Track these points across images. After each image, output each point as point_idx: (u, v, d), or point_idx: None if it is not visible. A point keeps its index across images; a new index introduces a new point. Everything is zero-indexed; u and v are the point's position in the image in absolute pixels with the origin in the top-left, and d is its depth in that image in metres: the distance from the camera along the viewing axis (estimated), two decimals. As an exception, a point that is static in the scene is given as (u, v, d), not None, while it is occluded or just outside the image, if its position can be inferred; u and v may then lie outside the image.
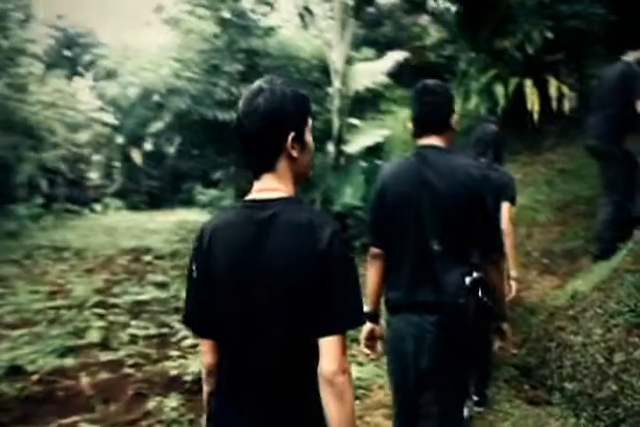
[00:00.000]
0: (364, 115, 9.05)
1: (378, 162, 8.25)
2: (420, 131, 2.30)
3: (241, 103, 1.56)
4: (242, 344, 1.52)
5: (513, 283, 3.62)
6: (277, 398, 1.50)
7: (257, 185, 1.57)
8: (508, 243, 3.39)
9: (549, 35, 6.91)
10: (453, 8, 8.09)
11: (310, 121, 1.62)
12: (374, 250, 2.38)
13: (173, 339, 5.23)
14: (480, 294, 2.11)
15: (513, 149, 6.80)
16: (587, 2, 7.17)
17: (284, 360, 1.49)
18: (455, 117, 2.31)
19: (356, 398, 3.75)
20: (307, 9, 7.86)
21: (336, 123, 8.46)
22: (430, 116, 2.27)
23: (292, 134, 1.52)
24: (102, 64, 11.05)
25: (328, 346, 1.44)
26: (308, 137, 1.61)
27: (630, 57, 4.64)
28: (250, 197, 1.57)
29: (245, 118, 1.53)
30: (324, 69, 8.79)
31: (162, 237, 11.57)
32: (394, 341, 2.28)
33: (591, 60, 7.49)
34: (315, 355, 1.45)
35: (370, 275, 2.42)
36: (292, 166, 1.56)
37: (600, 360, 3.50)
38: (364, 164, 7.98)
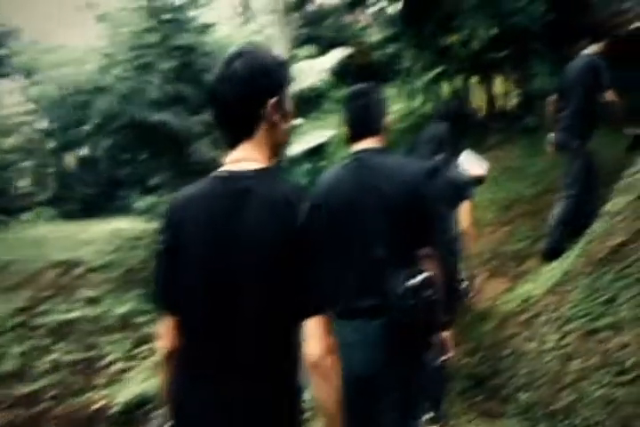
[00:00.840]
0: (307, 115, 8.76)
1: (322, 163, 7.99)
2: (354, 135, 2.28)
3: (217, 68, 1.49)
4: (214, 321, 1.42)
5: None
6: (251, 381, 1.40)
7: (233, 154, 1.50)
8: (469, 244, 3.30)
9: (493, 31, 6.79)
10: (397, 4, 7.87)
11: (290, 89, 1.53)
12: None
13: (101, 364, 4.80)
14: (427, 293, 2.08)
15: (460, 148, 6.64)
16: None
17: (260, 340, 1.40)
18: (389, 119, 2.31)
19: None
20: (246, 3, 7.50)
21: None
22: (362, 120, 2.26)
23: (273, 100, 1.45)
24: (22, 61, 10.27)
25: (313, 327, 1.38)
26: (288, 104, 1.53)
27: (590, 50, 4.54)
28: (224, 167, 1.49)
29: (222, 83, 1.46)
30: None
31: (95, 248, 10.89)
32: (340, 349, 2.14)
33: (533, 57, 7.44)
34: (294, 336, 1.40)
35: None
36: (272, 134, 1.49)
37: (556, 368, 3.30)
38: (307, 165, 7.70)
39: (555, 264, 4.22)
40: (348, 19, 12.30)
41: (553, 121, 4.66)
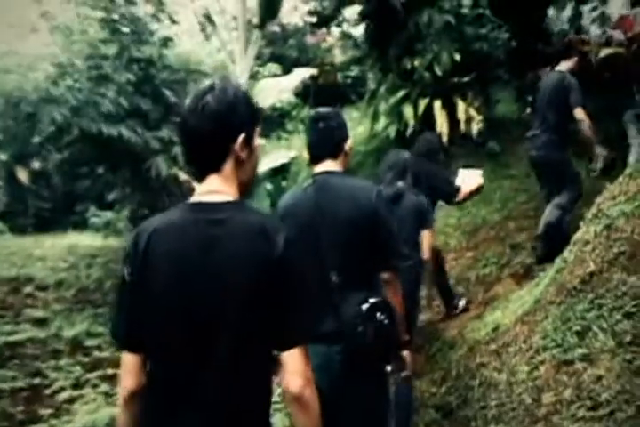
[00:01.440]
0: (269, 134, 8.65)
1: (284, 184, 7.87)
2: (314, 157, 2.33)
3: (189, 100, 1.50)
4: (185, 362, 1.36)
5: None
6: (225, 418, 1.37)
7: (202, 187, 1.49)
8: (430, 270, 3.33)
9: (457, 57, 6.87)
10: (361, 26, 7.90)
11: (259, 127, 1.56)
12: None
13: (47, 392, 4.49)
14: (379, 318, 2.11)
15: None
16: (490, 26, 7.24)
17: (235, 379, 1.37)
18: (349, 143, 2.35)
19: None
20: (208, 18, 7.38)
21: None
22: (323, 142, 2.31)
23: (242, 136, 1.47)
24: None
25: (292, 359, 1.37)
26: (257, 142, 1.55)
27: (563, 67, 4.61)
28: (195, 199, 1.48)
29: (193, 115, 1.45)
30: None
31: (48, 265, 10.44)
32: None
33: (495, 83, 7.56)
34: (270, 370, 1.39)
35: None
36: (239, 170, 1.50)
37: (527, 401, 3.21)
38: (269, 186, 7.57)
39: (523, 292, 4.18)
40: (311, 39, 12.34)
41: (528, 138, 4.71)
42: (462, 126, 6.72)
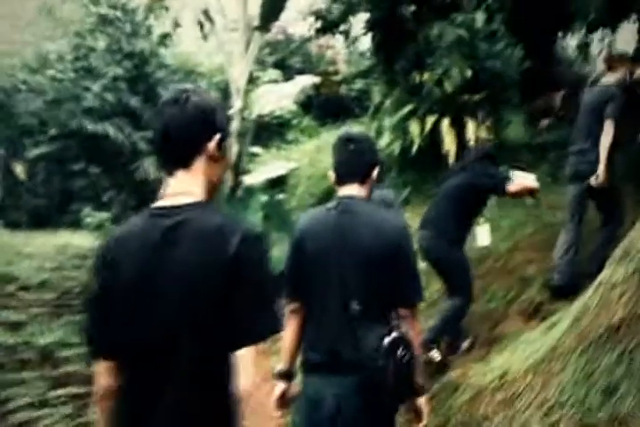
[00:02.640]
0: (268, 144, 8.29)
1: (280, 196, 7.49)
2: (341, 179, 2.27)
3: (165, 95, 1.52)
4: (150, 363, 1.42)
5: None
6: (189, 416, 1.41)
7: (169, 188, 1.51)
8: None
9: (469, 73, 6.55)
10: (368, 36, 7.58)
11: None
12: (292, 306, 2.27)
13: (6, 408, 4.06)
14: (400, 354, 2.03)
15: (427, 193, 6.27)
16: (504, 43, 6.94)
17: (196, 378, 1.40)
18: (377, 170, 2.29)
19: None
20: (206, 15, 6.99)
21: (235, 148, 7.62)
22: (353, 165, 2.25)
23: (218, 136, 1.51)
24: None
25: (244, 360, 1.37)
26: (226, 149, 1.59)
27: (608, 80, 4.42)
28: (159, 202, 1.50)
29: (174, 105, 1.48)
30: (225, 90, 7.95)
31: (35, 263, 9.90)
32: (309, 403, 2.17)
33: (506, 105, 7.24)
34: (231, 369, 1.37)
35: (287, 332, 2.28)
36: (210, 169, 1.51)
37: (541, 464, 2.83)
38: (264, 197, 7.17)
39: (534, 334, 3.80)
40: (316, 49, 12.04)
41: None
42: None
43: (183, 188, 1.48)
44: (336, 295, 2.12)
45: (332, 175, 2.31)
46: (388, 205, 3.52)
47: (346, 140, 2.28)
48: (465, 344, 4.25)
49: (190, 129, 1.48)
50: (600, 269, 3.39)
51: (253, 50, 7.64)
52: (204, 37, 7.35)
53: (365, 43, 9.71)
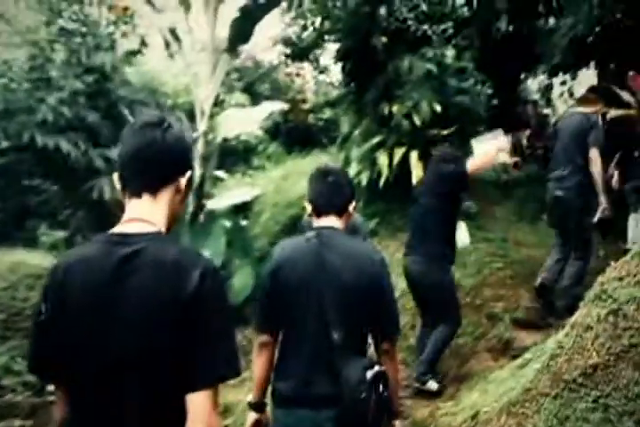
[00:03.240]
0: (232, 169, 8.14)
1: (244, 223, 7.33)
2: (319, 210, 2.29)
3: (144, 117, 1.51)
4: (98, 397, 1.35)
5: None
6: None
7: (128, 212, 1.47)
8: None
9: (438, 107, 6.60)
10: (338, 66, 7.59)
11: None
12: (264, 338, 2.25)
13: None
14: (381, 388, 2.03)
15: (395, 224, 6.24)
16: (473, 81, 7.05)
17: (147, 414, 1.33)
18: (354, 204, 2.33)
19: None
20: (173, 34, 6.85)
21: (198, 172, 7.45)
22: (331, 197, 2.27)
23: (189, 172, 1.52)
24: None
25: (198, 402, 1.30)
26: (190, 186, 1.57)
27: (587, 110, 4.50)
28: (116, 228, 1.46)
29: (153, 130, 1.45)
30: (190, 111, 7.82)
31: (-16, 282, 9.37)
32: None
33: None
34: (182, 412, 1.30)
35: (257, 365, 2.27)
36: (173, 201, 1.49)
37: None
38: (227, 223, 7.00)
39: (505, 373, 3.73)
40: (284, 78, 12.04)
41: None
42: (439, 181, 6.37)
43: (146, 214, 1.45)
44: (315, 326, 2.11)
45: (308, 206, 2.33)
46: (355, 231, 3.51)
47: (324, 173, 2.31)
48: (435, 386, 4.13)
49: (169, 158, 1.46)
50: (573, 307, 3.37)
51: (221, 72, 7.54)
52: (171, 56, 7.21)
53: (335, 73, 9.79)
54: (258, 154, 7.95)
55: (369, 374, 2.01)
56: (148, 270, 1.35)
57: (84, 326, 1.35)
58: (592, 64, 8.58)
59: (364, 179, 6.77)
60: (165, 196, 1.47)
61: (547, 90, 10.31)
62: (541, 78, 10.38)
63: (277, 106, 7.83)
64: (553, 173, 4.57)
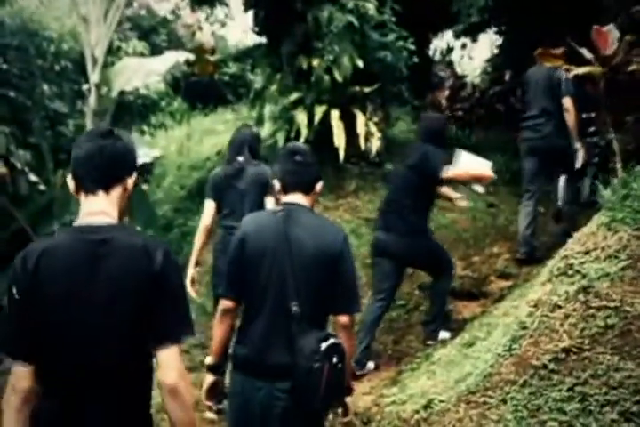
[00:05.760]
0: (129, 127, 7.24)
1: (144, 187, 6.56)
2: (287, 188, 2.38)
3: (96, 130, 1.81)
4: (73, 371, 1.57)
5: None
6: (113, 415, 1.58)
7: (86, 207, 1.69)
8: None
9: (360, 63, 6.12)
10: (249, 14, 6.87)
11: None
12: (227, 303, 2.32)
13: None
14: (335, 360, 2.09)
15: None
16: (395, 36, 6.61)
17: (121, 387, 1.59)
18: (321, 184, 2.41)
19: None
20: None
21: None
22: (300, 176, 2.36)
23: (135, 174, 1.78)
24: None
25: (167, 356, 1.58)
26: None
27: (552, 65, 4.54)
28: (79, 221, 1.68)
29: (105, 139, 1.71)
30: (79, 60, 6.82)
31: None
32: (238, 401, 2.26)
33: (395, 100, 6.95)
34: (151, 372, 1.64)
35: (218, 330, 2.35)
36: (122, 198, 1.72)
37: None
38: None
39: (452, 351, 3.43)
40: (183, 30, 10.98)
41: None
42: (362, 143, 5.95)
43: (103, 208, 1.67)
44: (275, 296, 2.18)
45: (277, 184, 2.41)
46: (264, 183, 3.58)
47: (292, 152, 2.40)
48: (371, 365, 3.80)
49: (119, 162, 1.71)
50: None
51: (114, 17, 6.59)
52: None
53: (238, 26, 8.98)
54: (159, 111, 7.10)
55: (323, 345, 2.08)
56: (121, 254, 1.60)
57: (62, 306, 1.55)
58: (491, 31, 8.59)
59: (281, 139, 6.22)
60: (116, 193, 1.70)
61: (448, 52, 10.24)
62: (447, 39, 10.34)
63: (182, 56, 6.97)
64: (527, 122, 4.68)
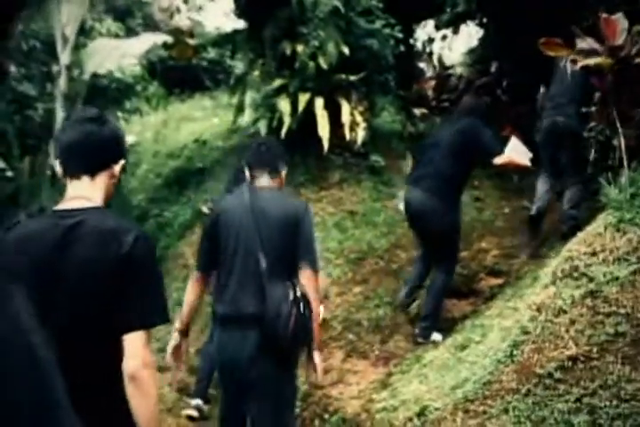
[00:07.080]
0: (103, 110, 6.89)
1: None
2: (255, 172, 2.68)
3: (79, 112, 1.97)
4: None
5: None
6: (86, 402, 1.42)
7: (70, 192, 1.71)
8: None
9: (346, 50, 5.89)
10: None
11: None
12: (197, 273, 2.62)
13: None
14: (302, 307, 2.36)
15: (297, 180, 5.55)
16: (381, 23, 6.39)
17: (88, 367, 1.55)
18: (286, 169, 2.74)
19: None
20: None
21: (60, 115, 6.21)
22: (264, 160, 2.69)
23: (123, 161, 1.78)
24: None
25: (131, 342, 1.55)
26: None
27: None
28: (60, 205, 1.72)
29: (91, 124, 1.68)
30: (48, 40, 6.46)
31: None
32: (219, 352, 2.54)
33: (381, 89, 6.74)
34: (120, 355, 1.56)
35: (188, 295, 2.60)
36: (108, 184, 1.73)
37: None
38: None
39: (445, 354, 3.28)
40: (160, 15, 10.59)
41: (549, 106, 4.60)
42: (347, 132, 5.74)
43: (86, 193, 1.69)
44: (246, 256, 2.47)
45: (247, 171, 2.71)
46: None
47: (259, 143, 2.80)
48: (439, 337, 3.77)
49: (104, 148, 1.72)
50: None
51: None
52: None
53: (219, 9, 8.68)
54: (134, 95, 6.79)
55: (291, 293, 2.36)
56: (90, 237, 1.60)
57: (35, 287, 1.45)
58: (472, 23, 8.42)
59: (263, 127, 5.96)
60: (101, 179, 1.71)
61: (429, 42, 10.08)
62: (428, 31, 10.18)
63: (160, 38, 6.65)
64: (549, 103, 4.58)
